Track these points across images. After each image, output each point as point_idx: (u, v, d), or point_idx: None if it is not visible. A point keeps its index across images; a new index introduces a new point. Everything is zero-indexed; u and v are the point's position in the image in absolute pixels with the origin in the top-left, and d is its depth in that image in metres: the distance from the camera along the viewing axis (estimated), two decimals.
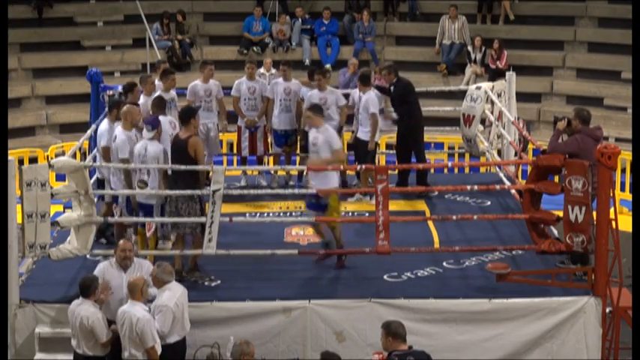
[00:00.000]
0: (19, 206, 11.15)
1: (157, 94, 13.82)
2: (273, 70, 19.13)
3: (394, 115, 14.74)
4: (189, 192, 11.54)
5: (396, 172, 14.75)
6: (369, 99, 14.16)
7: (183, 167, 11.63)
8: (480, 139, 15.41)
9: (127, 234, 12.18)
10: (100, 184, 12.92)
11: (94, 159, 13.35)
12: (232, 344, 10.25)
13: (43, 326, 11.19)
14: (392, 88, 14.70)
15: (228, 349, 10.37)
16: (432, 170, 16.43)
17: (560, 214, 11.49)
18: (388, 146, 18.00)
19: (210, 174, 11.74)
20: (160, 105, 12.97)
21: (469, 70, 23.46)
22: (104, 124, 12.68)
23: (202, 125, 14.44)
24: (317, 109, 12.62)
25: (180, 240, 11.87)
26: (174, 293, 10.46)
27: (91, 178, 11.99)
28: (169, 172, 11.77)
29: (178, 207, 11.59)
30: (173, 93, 14.28)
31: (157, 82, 14.31)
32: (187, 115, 11.94)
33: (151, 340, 10.10)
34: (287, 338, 11.31)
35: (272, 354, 11.26)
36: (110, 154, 12.34)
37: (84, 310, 10.33)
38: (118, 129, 12.23)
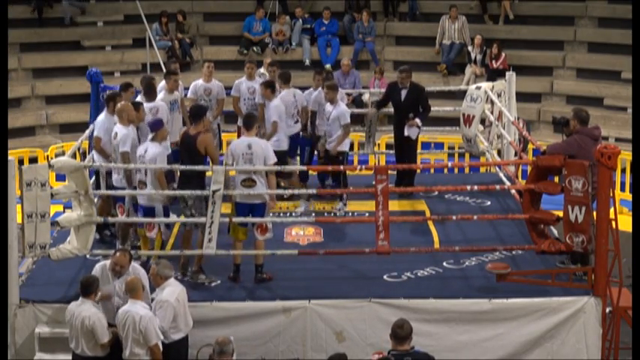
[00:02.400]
0: (19, 206, 11.15)
1: (160, 95, 13.78)
2: None
3: (418, 122, 14.62)
4: (187, 192, 11.55)
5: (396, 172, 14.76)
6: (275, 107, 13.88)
7: (182, 167, 11.65)
8: (480, 139, 15.39)
9: (130, 238, 12.22)
10: (96, 177, 12.94)
11: (94, 158, 13.33)
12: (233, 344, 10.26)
13: (43, 326, 11.19)
14: (403, 90, 14.53)
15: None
16: (432, 170, 16.45)
17: (560, 214, 11.49)
18: (388, 146, 17.97)
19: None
20: (148, 91, 13.01)
21: (469, 70, 23.45)
22: (101, 116, 12.78)
23: None
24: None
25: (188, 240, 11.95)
26: (174, 289, 10.49)
27: (90, 178, 11.99)
28: (177, 171, 11.88)
29: (189, 205, 11.65)
30: (177, 94, 14.19)
31: (162, 83, 14.24)
32: (198, 113, 11.97)
33: (155, 337, 10.11)
34: (287, 338, 11.32)
35: (272, 354, 11.27)
36: (101, 145, 12.44)
37: (85, 310, 10.31)
38: (118, 126, 12.24)
